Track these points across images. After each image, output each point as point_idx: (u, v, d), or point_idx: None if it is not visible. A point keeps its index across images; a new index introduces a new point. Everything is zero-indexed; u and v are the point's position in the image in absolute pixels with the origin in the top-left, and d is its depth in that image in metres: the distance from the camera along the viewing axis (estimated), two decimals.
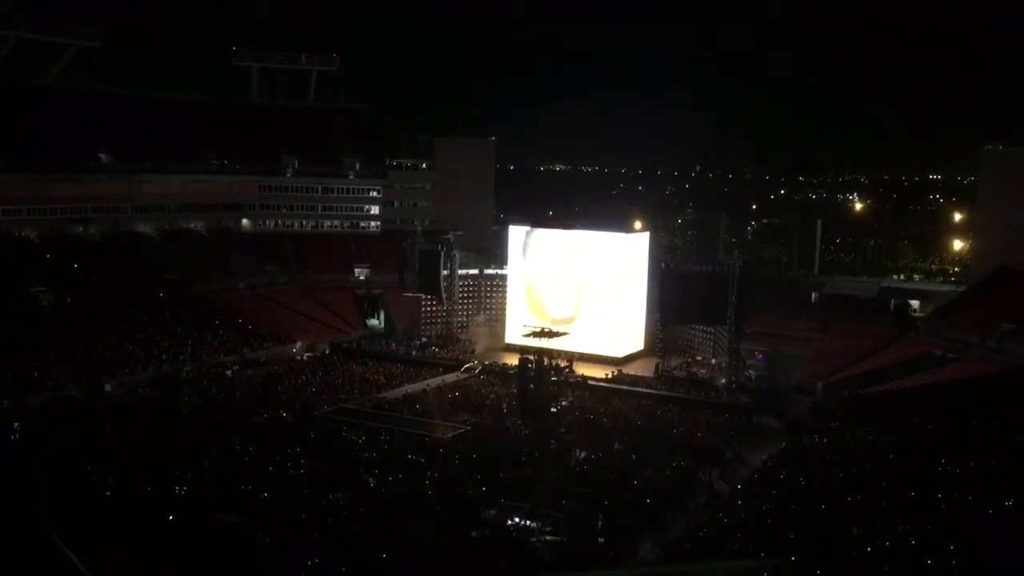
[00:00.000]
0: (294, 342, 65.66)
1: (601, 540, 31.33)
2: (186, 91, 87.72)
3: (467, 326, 69.45)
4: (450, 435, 43.80)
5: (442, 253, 67.05)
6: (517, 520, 32.00)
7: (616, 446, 42.60)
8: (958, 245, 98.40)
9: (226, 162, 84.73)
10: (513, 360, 54.45)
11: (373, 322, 72.03)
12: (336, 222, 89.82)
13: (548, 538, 31.03)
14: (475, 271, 70.94)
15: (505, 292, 69.21)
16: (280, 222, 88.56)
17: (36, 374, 51.44)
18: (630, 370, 59.92)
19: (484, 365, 60.08)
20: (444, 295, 67.67)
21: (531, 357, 49.35)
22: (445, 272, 67.30)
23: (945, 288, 78.28)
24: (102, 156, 75.54)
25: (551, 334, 59.51)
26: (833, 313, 69.22)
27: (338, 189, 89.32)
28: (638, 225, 71.87)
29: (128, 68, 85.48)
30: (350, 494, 33.97)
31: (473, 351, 64.48)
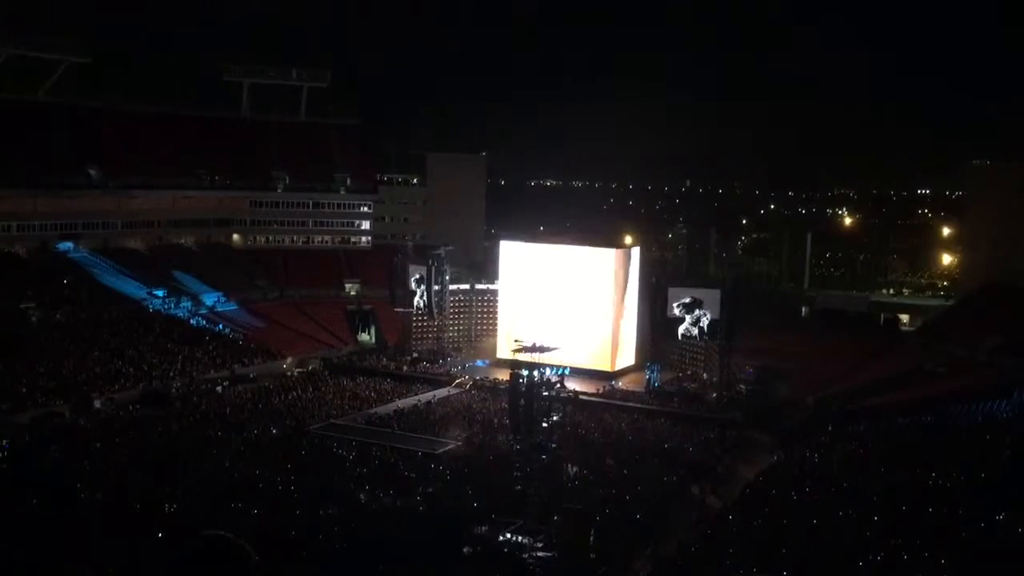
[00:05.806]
0: (284, 358, 65.37)
1: (593, 556, 31.25)
2: (176, 106, 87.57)
3: (458, 342, 69.30)
4: (441, 450, 43.72)
5: (432, 268, 66.97)
6: (509, 536, 31.92)
7: (608, 461, 42.56)
8: (947, 259, 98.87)
9: (216, 177, 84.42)
10: (504, 375, 54.34)
11: (364, 337, 71.89)
12: (327, 237, 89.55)
13: (540, 554, 30.96)
14: (466, 286, 70.88)
15: (496, 307, 69.16)
16: (271, 237, 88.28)
17: (24, 390, 51.11)
18: (621, 385, 59.94)
19: (475, 380, 59.96)
20: (435, 310, 67.53)
21: (522, 372, 49.19)
22: (436, 287, 67.19)
23: (934, 302, 78.74)
24: (92, 172, 75.26)
25: (542, 349, 59.35)
26: (823, 327, 69.45)
27: (329, 204, 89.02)
28: (628, 240, 71.96)
29: (118, 84, 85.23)
30: (341, 510, 33.83)
31: (464, 366, 64.36)
